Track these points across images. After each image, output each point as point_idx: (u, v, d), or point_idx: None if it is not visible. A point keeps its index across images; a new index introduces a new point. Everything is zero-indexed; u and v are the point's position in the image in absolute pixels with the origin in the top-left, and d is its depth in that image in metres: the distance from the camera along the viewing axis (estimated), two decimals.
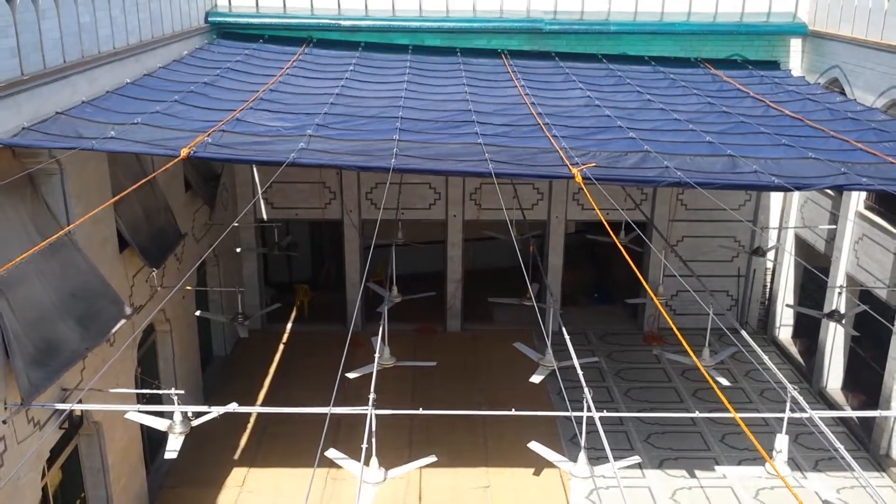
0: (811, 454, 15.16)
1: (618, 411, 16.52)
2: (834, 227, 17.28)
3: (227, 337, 19.11)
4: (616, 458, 8.64)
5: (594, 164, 10.31)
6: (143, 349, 14.18)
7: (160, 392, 10.88)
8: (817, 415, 8.67)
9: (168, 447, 9.03)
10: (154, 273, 13.49)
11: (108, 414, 11.54)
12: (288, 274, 23.21)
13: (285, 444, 15.16)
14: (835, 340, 17.36)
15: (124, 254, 12.63)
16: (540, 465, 14.27)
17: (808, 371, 18.55)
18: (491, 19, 18.88)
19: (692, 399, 17.47)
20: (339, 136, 11.21)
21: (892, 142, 12.20)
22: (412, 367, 14.69)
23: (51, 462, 10.80)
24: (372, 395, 8.56)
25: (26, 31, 9.78)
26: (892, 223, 15.28)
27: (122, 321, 11.12)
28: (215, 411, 9.11)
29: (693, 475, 14.82)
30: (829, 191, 16.50)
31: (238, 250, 19.69)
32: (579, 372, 9.58)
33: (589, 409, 8.64)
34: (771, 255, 20.03)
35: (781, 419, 9.08)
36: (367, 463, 8.68)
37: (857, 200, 16.41)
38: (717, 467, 11.74)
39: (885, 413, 14.61)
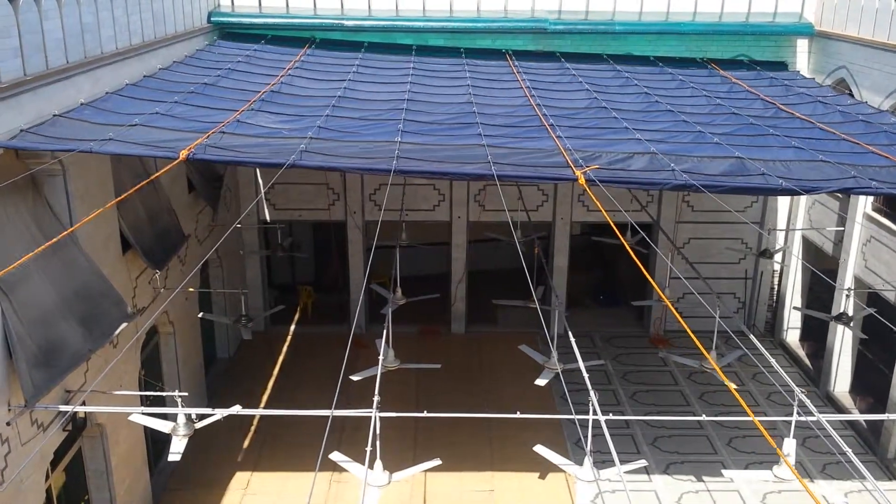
0: (819, 458, 15.04)
1: (624, 414, 16.41)
2: (842, 229, 17.16)
3: (231, 339, 19.07)
4: (622, 462, 8.56)
5: (598, 167, 10.20)
6: (147, 351, 14.14)
7: (164, 394, 10.84)
8: (825, 418, 8.59)
9: (171, 449, 9.00)
10: (157, 275, 13.44)
11: (111, 416, 11.50)
12: (291, 276, 23.16)
13: (289, 447, 15.10)
14: (843, 343, 17.23)
15: (127, 255, 12.59)
16: (545, 468, 14.17)
17: (815, 374, 18.42)
18: (495, 19, 18.81)
19: (699, 402, 17.36)
20: (341, 137, 11.13)
21: None
22: (416, 369, 14.62)
23: (54, 464, 10.76)
24: (376, 398, 8.50)
25: (29, 32, 9.74)
26: None
27: (125, 323, 11.08)
28: (219, 413, 9.06)
29: (700, 479, 14.72)
30: (837, 193, 16.37)
31: (242, 252, 19.67)
32: (585, 375, 9.51)
33: (595, 412, 8.57)
34: (778, 257, 19.92)
35: (789, 422, 8.99)
36: (371, 466, 8.63)
37: (864, 202, 16.29)
38: (723, 471, 11.61)
39: (893, 416, 14.46)
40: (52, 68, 10.29)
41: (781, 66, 18.70)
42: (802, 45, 18.87)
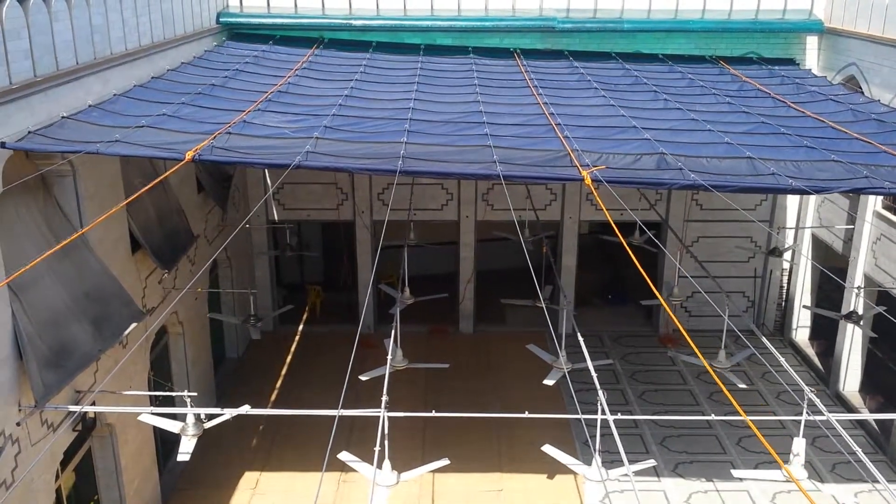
0: (828, 457, 14.97)
1: (632, 414, 16.37)
2: (851, 227, 17.07)
3: (240, 338, 19.12)
4: (631, 462, 8.55)
5: (605, 167, 10.16)
6: (156, 351, 14.19)
7: (173, 394, 10.88)
8: (834, 417, 8.54)
9: (181, 449, 9.02)
10: (166, 275, 13.49)
11: (121, 416, 11.55)
12: (300, 275, 23.21)
13: (297, 446, 15.13)
14: (852, 342, 17.15)
15: (137, 255, 12.64)
16: (553, 468, 14.15)
17: (825, 373, 18.34)
18: (503, 18, 18.78)
19: (708, 402, 17.30)
20: (347, 138, 11.11)
21: None
22: (425, 368, 14.62)
23: (64, 464, 10.81)
24: (384, 397, 8.51)
25: (39, 33, 9.78)
26: None
27: (135, 323, 11.12)
28: (228, 413, 9.09)
29: (709, 479, 14.67)
30: (849, 193, 16.26)
31: (254, 253, 19.74)
32: (593, 374, 9.49)
33: (603, 412, 8.55)
34: (788, 255, 19.83)
35: (798, 422, 8.95)
36: (379, 465, 8.62)
37: (875, 200, 16.20)
38: (733, 471, 11.59)
39: None
40: (61, 69, 10.33)
41: (791, 63, 18.60)
42: (812, 42, 18.77)
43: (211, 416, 9.09)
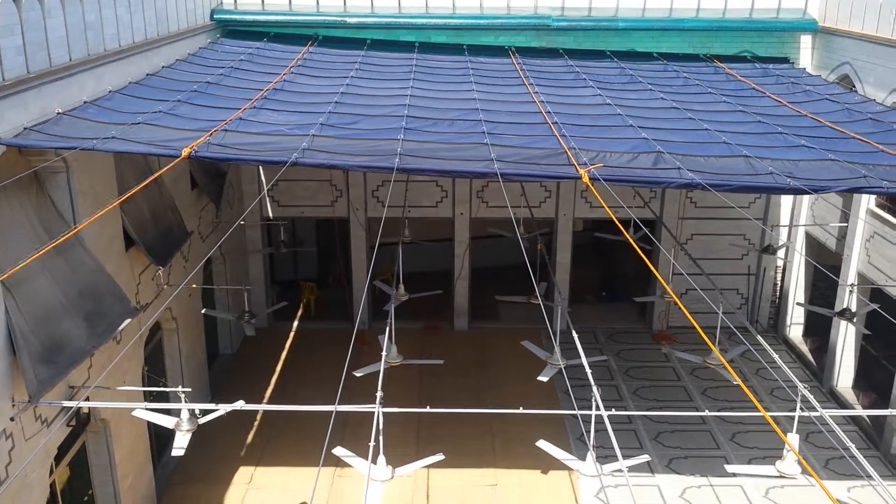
0: (822, 453, 15.04)
1: (626, 410, 16.42)
2: (845, 224, 17.14)
3: (234, 335, 19.11)
4: (625, 457, 8.58)
5: (602, 165, 10.17)
6: (150, 347, 14.18)
7: (167, 390, 10.87)
8: (828, 413, 8.58)
9: (175, 444, 9.02)
10: (160, 271, 13.48)
11: (115, 411, 11.54)
12: (294, 272, 23.20)
13: (292, 442, 15.14)
14: (846, 339, 17.22)
15: (130, 252, 12.62)
16: (548, 463, 14.17)
17: (818, 370, 18.42)
18: (498, 16, 18.80)
19: (701, 397, 17.37)
20: (343, 135, 11.10)
21: None
22: (419, 365, 14.64)
23: (58, 459, 10.80)
24: (379, 393, 8.52)
25: (32, 30, 9.76)
26: None
27: (129, 319, 11.11)
28: (222, 409, 9.09)
29: (702, 474, 14.73)
30: (847, 192, 16.27)
31: (252, 250, 19.73)
32: (588, 370, 9.52)
33: (597, 408, 8.58)
34: (781, 253, 19.90)
35: (792, 418, 9.00)
36: (374, 461, 8.64)
37: (868, 198, 16.26)
38: (726, 466, 11.64)
39: (895, 412, 14.49)
40: (55, 66, 10.31)
41: (785, 62, 18.67)
42: (806, 41, 18.84)
43: (205, 412, 9.10)
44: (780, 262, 20.57)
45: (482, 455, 15.04)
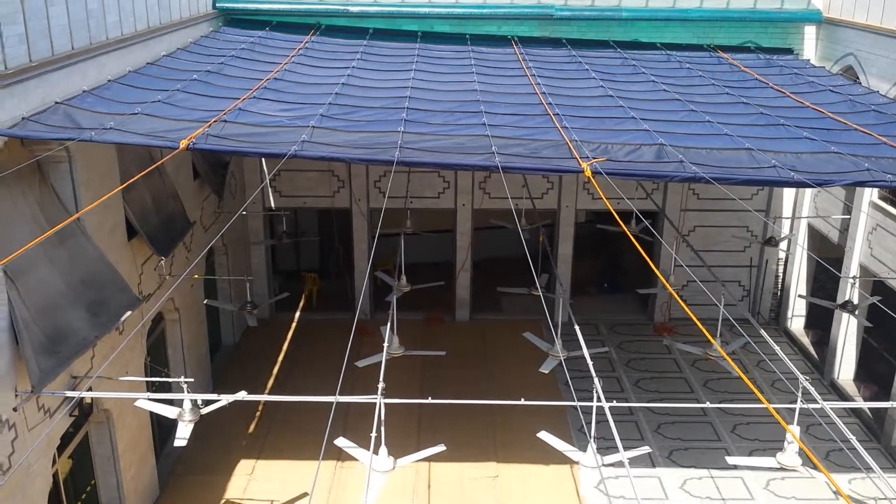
0: (822, 445, 15.06)
1: (627, 401, 16.45)
2: (847, 217, 17.11)
3: (236, 325, 19.13)
4: (625, 449, 8.59)
5: (605, 159, 10.07)
6: (153, 338, 14.20)
7: (169, 380, 10.88)
8: (829, 406, 8.59)
9: (177, 435, 9.04)
10: (162, 261, 13.48)
11: (117, 402, 11.56)
12: (296, 263, 23.21)
13: (294, 433, 15.17)
14: (847, 331, 17.22)
15: (133, 242, 12.62)
16: (549, 454, 14.18)
17: (820, 362, 18.43)
18: (501, 5, 18.72)
19: (702, 389, 17.39)
20: (343, 127, 11.02)
21: None
22: (421, 356, 14.66)
23: (61, 449, 10.83)
24: (381, 384, 8.53)
25: (34, 18, 9.73)
26: None
27: (131, 310, 11.12)
28: (224, 399, 9.10)
29: (703, 466, 14.76)
30: (851, 186, 16.18)
31: (255, 242, 19.73)
32: (589, 362, 9.53)
33: (599, 399, 8.59)
34: (784, 245, 19.87)
35: (793, 410, 9.00)
36: (376, 451, 8.66)
37: (871, 190, 16.22)
38: (727, 458, 11.67)
39: None
40: (57, 54, 10.28)
41: (789, 52, 18.59)
42: (810, 31, 18.75)
43: (207, 402, 9.11)
44: (782, 255, 20.55)
45: (483, 446, 15.07)
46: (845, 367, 17.45)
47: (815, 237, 19.10)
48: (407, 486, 13.94)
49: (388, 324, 11.71)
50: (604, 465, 9.32)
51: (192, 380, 9.23)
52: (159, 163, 11.18)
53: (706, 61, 17.47)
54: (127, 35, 12.59)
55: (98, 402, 11.48)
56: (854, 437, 8.12)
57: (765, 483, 14.27)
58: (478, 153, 10.23)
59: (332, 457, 13.67)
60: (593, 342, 18.63)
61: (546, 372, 12.62)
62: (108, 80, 11.72)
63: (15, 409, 9.13)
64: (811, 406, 9.08)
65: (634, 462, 14.22)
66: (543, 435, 10.26)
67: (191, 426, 8.95)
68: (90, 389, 10.06)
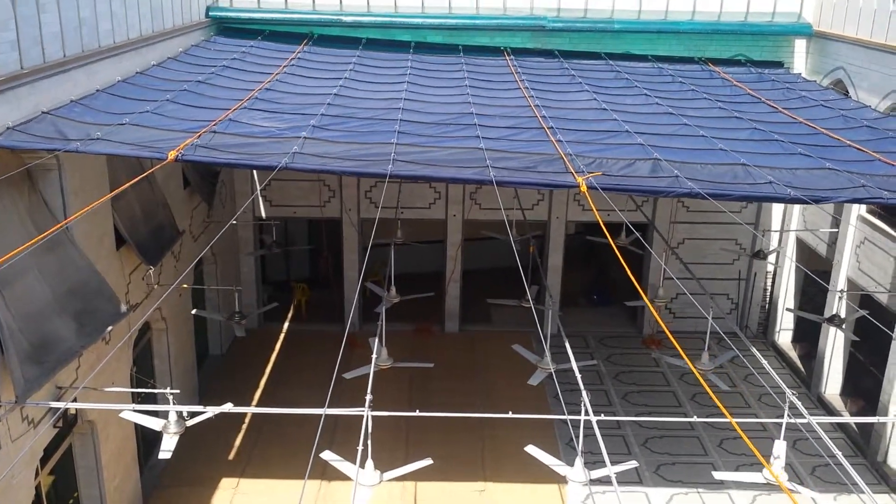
0: (809, 460, 15.08)
1: (615, 415, 16.44)
2: (836, 230, 17.20)
3: (224, 336, 19.04)
4: (613, 463, 8.57)
5: (600, 173, 9.99)
6: (139, 347, 14.11)
7: (155, 391, 10.79)
8: (815, 420, 8.60)
9: (162, 447, 8.94)
10: (151, 271, 13.41)
11: (102, 413, 11.47)
12: (286, 273, 23.13)
13: (281, 445, 15.09)
14: (835, 345, 17.29)
15: (121, 251, 12.56)
16: (537, 468, 14.16)
17: (807, 376, 18.48)
18: (494, 16, 18.80)
19: (690, 403, 17.40)
20: (335, 138, 10.91)
21: None
22: (410, 367, 14.61)
23: (45, 461, 10.72)
24: (368, 396, 8.49)
25: (26, 25, 9.70)
26: (894, 227, 15.20)
27: (118, 319, 11.04)
28: (210, 411, 9.02)
29: (690, 480, 14.75)
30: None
31: (246, 253, 19.66)
32: (577, 375, 9.51)
33: (586, 413, 8.57)
34: (772, 258, 19.95)
35: (780, 424, 9.01)
36: (362, 465, 8.61)
37: (859, 205, 16.30)
38: (714, 472, 11.66)
39: (883, 419, 14.53)
40: (49, 62, 10.25)
41: (779, 66, 18.72)
42: (801, 45, 18.89)
43: (193, 414, 9.03)
44: (770, 268, 20.63)
45: (471, 459, 15.03)
46: (832, 381, 17.50)
47: (804, 250, 19.18)
48: (394, 499, 13.87)
49: (377, 335, 11.66)
50: (591, 479, 9.29)
51: (178, 391, 9.14)
52: (149, 172, 11.12)
53: (698, 75, 17.56)
54: (119, 43, 12.57)
55: (83, 412, 11.38)
56: (840, 453, 8.13)
57: (751, 499, 14.27)
58: (471, 166, 10.15)
59: (319, 470, 13.55)
60: (582, 355, 18.62)
61: (535, 384, 12.59)
62: (96, 90, 11.63)
63: None
64: (798, 421, 9.08)
65: (622, 477, 14.19)
66: (531, 449, 10.22)
67: (176, 438, 8.86)
68: (75, 400, 9.97)
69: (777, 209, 19.98)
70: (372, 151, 10.46)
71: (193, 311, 16.09)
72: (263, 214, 19.91)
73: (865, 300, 15.92)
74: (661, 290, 16.58)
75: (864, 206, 16.22)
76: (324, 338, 18.14)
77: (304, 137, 10.52)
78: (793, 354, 19.71)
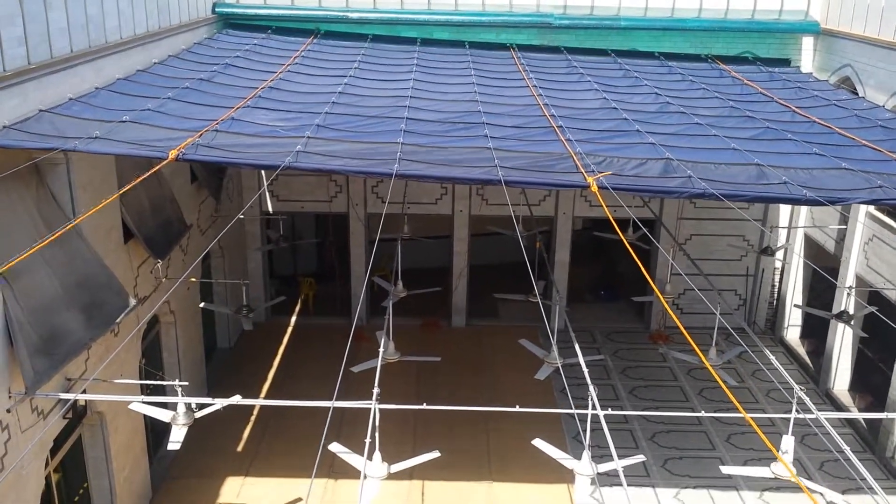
0: (817, 456, 15.06)
1: (623, 409, 16.43)
2: (844, 227, 17.15)
3: (232, 329, 19.11)
4: (620, 457, 8.59)
5: (611, 173, 9.79)
6: (148, 340, 14.18)
7: (164, 383, 10.86)
8: (824, 416, 8.60)
9: (171, 438, 9.03)
10: (159, 264, 13.47)
11: (111, 404, 11.54)
12: (293, 267, 23.20)
13: (288, 437, 15.15)
14: (843, 341, 17.25)
15: (129, 244, 12.61)
16: (544, 462, 14.18)
17: (815, 372, 18.44)
18: (500, 13, 18.79)
19: (698, 398, 17.38)
20: (340, 136, 10.72)
21: None
22: (416, 361, 14.64)
23: (54, 452, 10.79)
24: (376, 390, 8.53)
25: (33, 21, 9.74)
26: None
27: (127, 312, 11.10)
28: (219, 403, 9.08)
29: (698, 475, 14.74)
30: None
31: (254, 249, 19.71)
32: (585, 369, 9.52)
33: (594, 407, 8.59)
34: (780, 254, 19.91)
35: (788, 420, 9.00)
36: (370, 457, 8.65)
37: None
38: (722, 467, 11.66)
39: (892, 415, 14.46)
40: (55, 57, 10.29)
41: (786, 63, 18.65)
42: (808, 42, 18.82)
43: (201, 406, 9.09)
44: (778, 264, 20.58)
45: (478, 452, 15.05)
46: (840, 377, 17.47)
47: (812, 247, 19.13)
48: (401, 491, 13.92)
49: (385, 329, 11.69)
50: (598, 473, 9.31)
51: (186, 383, 9.21)
52: (158, 167, 11.16)
53: (709, 73, 17.38)
54: (126, 39, 12.61)
55: (92, 404, 11.46)
56: (848, 448, 8.12)
57: (759, 493, 14.26)
58: (479, 166, 9.93)
59: (327, 462, 13.60)
60: (589, 350, 18.62)
61: (541, 379, 12.60)
62: (96, 88, 11.42)
63: (8, 411, 9.11)
64: (806, 416, 9.07)
65: (629, 471, 14.15)
66: (538, 442, 10.25)
67: (185, 430, 8.94)
68: (84, 392, 10.03)
69: (785, 206, 19.91)
70: (378, 150, 10.25)
71: (202, 305, 16.18)
72: (270, 209, 19.96)
73: (874, 296, 15.88)
74: (668, 286, 16.56)
75: None
76: (331, 331, 18.20)
77: (308, 136, 10.32)
78: (801, 350, 19.67)
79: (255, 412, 16.06)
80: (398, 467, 9.04)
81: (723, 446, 15.65)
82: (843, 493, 14.09)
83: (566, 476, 14.35)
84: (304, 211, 20.49)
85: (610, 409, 8.78)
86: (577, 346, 10.49)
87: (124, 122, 10.14)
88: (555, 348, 12.19)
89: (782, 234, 20.02)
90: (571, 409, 9.17)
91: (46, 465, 10.38)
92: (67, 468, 11.44)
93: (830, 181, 10.32)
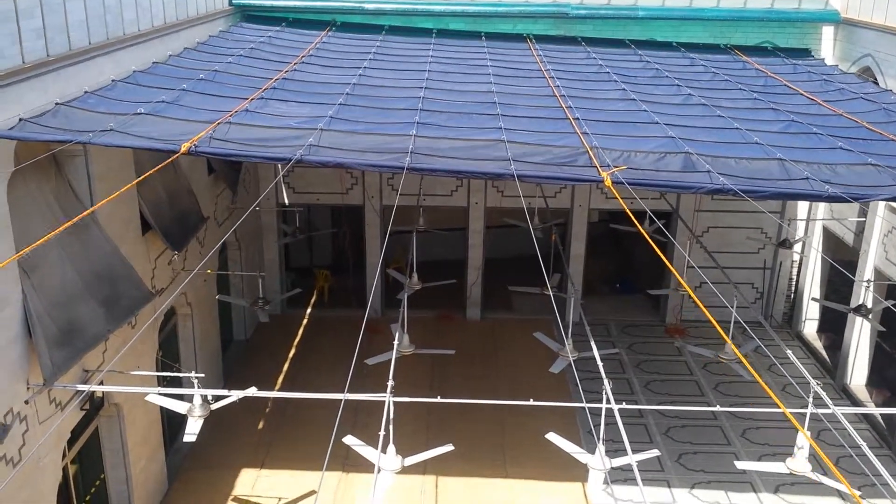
0: (833, 451, 14.91)
1: (637, 403, 16.39)
2: (863, 219, 16.96)
3: (248, 321, 19.21)
4: (635, 451, 8.57)
5: (626, 167, 9.64)
6: (165, 332, 14.28)
7: (180, 375, 10.94)
8: (840, 411, 8.53)
9: (187, 430, 9.08)
10: (176, 256, 13.55)
11: (128, 396, 11.64)
12: (309, 259, 23.27)
13: (303, 429, 15.22)
14: (860, 335, 17.09)
15: (147, 236, 12.69)
16: (557, 456, 14.18)
17: (832, 366, 18.30)
18: (516, 3, 18.69)
19: (713, 393, 17.30)
20: (353, 129, 10.64)
21: None
22: (431, 354, 14.66)
23: (71, 443, 10.91)
24: (390, 382, 8.54)
25: (52, 13, 9.80)
26: None
27: (145, 304, 11.18)
28: (235, 395, 9.14)
29: (712, 470, 14.69)
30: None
31: (271, 241, 19.80)
32: (599, 363, 9.50)
33: (608, 401, 8.57)
34: (798, 247, 19.73)
35: (803, 415, 8.94)
36: (384, 450, 8.68)
37: None
38: (736, 462, 11.60)
39: None
40: (74, 49, 10.34)
41: (806, 53, 18.43)
42: (828, 32, 18.60)
43: (218, 398, 9.15)
44: (796, 257, 20.41)
45: (492, 446, 15.07)
46: (858, 371, 17.32)
47: (830, 239, 18.95)
48: (415, 484, 13.96)
49: (399, 321, 11.70)
50: (612, 467, 9.30)
51: (202, 375, 9.26)
52: (173, 157, 11.19)
53: (731, 65, 17.09)
54: (144, 31, 12.65)
55: (109, 395, 11.56)
56: (865, 444, 8.06)
57: (774, 488, 14.19)
58: (493, 160, 9.81)
59: (341, 454, 13.68)
60: (604, 343, 18.57)
61: (556, 372, 12.59)
62: (112, 80, 11.43)
63: (27, 402, 9.21)
64: (822, 411, 9.00)
65: (643, 465, 14.16)
66: (552, 436, 10.25)
67: (201, 421, 8.99)
68: (102, 383, 10.12)
69: None
70: (391, 144, 10.14)
71: (218, 297, 16.27)
72: (286, 201, 20.02)
73: (893, 290, 15.72)
74: (684, 279, 16.44)
75: None
76: (347, 323, 18.18)
77: (322, 129, 10.24)
78: (818, 344, 19.52)
79: (271, 404, 16.16)
80: (412, 460, 9.07)
81: (738, 441, 15.58)
82: (860, 489, 14.00)
83: (581, 470, 14.36)
84: (320, 203, 20.53)
85: (624, 403, 8.75)
86: (591, 340, 10.45)
87: (139, 114, 10.15)
88: (569, 342, 12.16)
89: (801, 226, 19.83)
90: (585, 402, 9.13)
91: (63, 456, 10.50)
92: (84, 460, 11.56)
93: (856, 177, 10.05)
